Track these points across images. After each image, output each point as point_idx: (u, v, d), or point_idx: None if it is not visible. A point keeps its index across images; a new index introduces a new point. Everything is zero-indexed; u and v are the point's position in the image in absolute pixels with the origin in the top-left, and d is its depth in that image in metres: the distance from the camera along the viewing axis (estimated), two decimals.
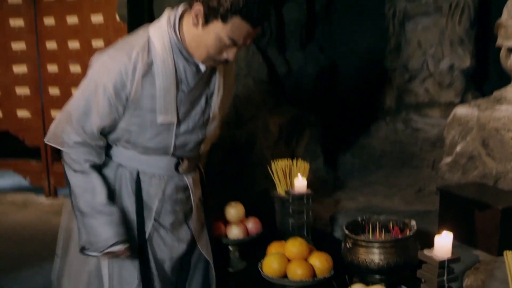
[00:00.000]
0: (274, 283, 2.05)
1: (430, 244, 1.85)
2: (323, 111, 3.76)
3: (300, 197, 2.54)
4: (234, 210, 2.50)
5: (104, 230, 1.89)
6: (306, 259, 2.11)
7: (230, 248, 2.53)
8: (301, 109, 3.62)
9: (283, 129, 3.48)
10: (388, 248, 2.12)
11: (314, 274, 2.08)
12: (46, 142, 1.96)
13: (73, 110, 1.90)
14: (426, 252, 1.83)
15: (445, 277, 1.79)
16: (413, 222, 2.26)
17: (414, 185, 3.24)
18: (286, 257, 2.11)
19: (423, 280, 1.86)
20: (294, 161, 2.71)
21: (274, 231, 2.78)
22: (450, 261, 1.78)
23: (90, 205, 1.90)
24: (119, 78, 1.83)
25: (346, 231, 2.23)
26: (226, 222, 2.51)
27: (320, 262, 2.07)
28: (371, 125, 3.80)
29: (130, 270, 1.99)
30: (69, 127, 1.90)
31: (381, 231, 2.30)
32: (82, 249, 1.93)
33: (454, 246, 1.82)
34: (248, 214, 2.59)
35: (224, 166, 3.34)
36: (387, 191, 3.22)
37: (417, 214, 2.69)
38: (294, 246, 2.10)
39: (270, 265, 2.07)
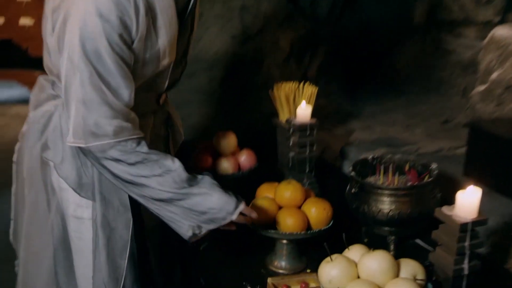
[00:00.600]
0: (259, 233, 1.72)
1: (453, 191, 1.48)
2: (341, 26, 3.29)
3: (302, 128, 2.17)
4: (225, 141, 2.14)
5: (215, 198, 1.57)
6: (300, 207, 1.76)
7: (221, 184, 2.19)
8: (317, 23, 3.17)
9: (295, 46, 3.09)
10: (401, 197, 1.76)
11: (308, 226, 1.73)
12: (77, 145, 1.53)
13: (86, 95, 1.47)
14: (445, 210, 1.46)
15: (467, 243, 1.43)
16: (434, 165, 1.87)
17: (440, 115, 2.84)
18: (276, 203, 1.76)
19: (439, 243, 1.50)
20: (301, 85, 2.31)
21: (275, 166, 2.43)
22: (475, 223, 1.42)
23: (180, 186, 1.56)
24: (123, 26, 1.45)
25: (353, 173, 1.87)
26: (216, 155, 2.16)
27: (316, 211, 1.72)
28: (395, 44, 3.33)
29: (121, 229, 1.69)
30: (96, 114, 1.48)
31: (395, 174, 1.93)
32: (193, 236, 1.62)
33: (483, 194, 1.44)
34: (247, 144, 2.23)
35: (226, 86, 2.97)
36: (409, 121, 2.82)
37: (439, 151, 2.30)
38: (287, 190, 1.75)
39: (256, 212, 1.72)
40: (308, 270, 1.78)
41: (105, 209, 1.66)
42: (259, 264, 1.81)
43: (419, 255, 1.77)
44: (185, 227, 1.59)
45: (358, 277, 1.40)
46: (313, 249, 1.83)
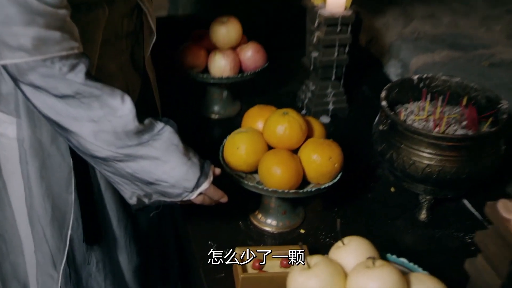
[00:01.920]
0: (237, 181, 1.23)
1: None
2: None
3: (331, 21, 1.57)
4: (224, 30, 1.59)
5: (169, 167, 1.10)
6: (296, 151, 1.25)
7: (213, 90, 1.68)
8: None
9: None
10: (447, 149, 1.21)
11: (304, 179, 1.23)
12: None
13: None
14: (503, 207, 0.92)
15: None
16: (505, 104, 1.29)
17: None
18: (264, 140, 1.25)
19: (481, 249, 0.98)
20: None
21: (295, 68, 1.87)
22: None
23: (122, 143, 1.08)
24: None
25: (384, 102, 1.31)
26: (211, 48, 1.62)
27: (319, 159, 1.20)
28: None
29: (61, 155, 1.26)
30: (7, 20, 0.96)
31: (446, 107, 1.36)
32: (140, 203, 1.18)
33: None
34: (257, 35, 1.68)
35: None
36: (490, 12, 2.13)
37: None
38: (280, 124, 1.22)
39: (233, 152, 1.23)
40: (302, 231, 1.31)
41: (34, 129, 1.20)
42: (239, 213, 1.34)
43: (463, 226, 1.30)
44: (127, 193, 1.14)
45: None
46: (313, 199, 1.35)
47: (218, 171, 1.15)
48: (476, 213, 1.36)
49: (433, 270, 1.02)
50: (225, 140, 1.28)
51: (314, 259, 0.94)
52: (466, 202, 1.40)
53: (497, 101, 1.30)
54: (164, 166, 1.07)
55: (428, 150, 1.22)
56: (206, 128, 1.67)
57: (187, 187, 1.09)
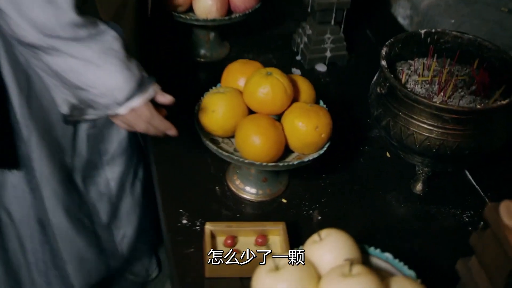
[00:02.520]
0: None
1: None
2: None
3: None
4: None
5: (102, 72, 0.96)
6: (279, 117, 1.11)
7: (198, 32, 1.51)
8: None
9: None
10: (451, 122, 1.06)
11: (287, 148, 1.10)
12: None
13: None
14: (504, 212, 0.79)
15: None
16: None
17: None
18: (244, 103, 1.10)
19: (475, 252, 0.87)
20: None
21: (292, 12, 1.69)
22: None
23: (51, 32, 0.93)
24: None
25: (383, 62, 1.15)
26: None
27: (304, 127, 1.06)
28: None
29: None
30: None
31: (453, 68, 1.21)
32: (72, 116, 1.06)
33: None
34: None
35: None
36: None
37: None
38: (262, 86, 1.07)
39: (208, 115, 1.09)
40: (284, 200, 1.19)
41: None
42: (215, 175, 1.23)
43: (462, 202, 1.20)
44: (59, 99, 1.03)
45: None
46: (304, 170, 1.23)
47: (168, 98, 1.01)
48: (477, 187, 1.24)
49: (421, 261, 0.91)
50: (200, 99, 1.14)
51: (284, 259, 0.82)
52: (467, 174, 1.27)
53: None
54: (97, 71, 0.94)
55: (428, 121, 1.08)
56: (191, 72, 1.53)
57: (117, 98, 0.96)
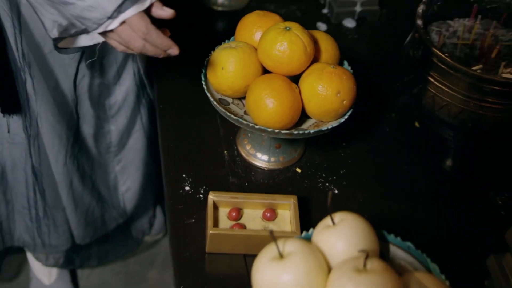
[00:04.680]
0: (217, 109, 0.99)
1: None
2: None
3: None
4: None
5: None
6: (298, 78, 0.98)
7: None
8: None
9: None
10: (491, 94, 0.93)
11: (303, 113, 0.98)
12: None
13: None
14: None
15: None
16: None
17: None
18: (258, 61, 0.98)
19: (510, 249, 0.75)
20: None
21: None
22: None
23: None
24: None
25: (419, 21, 1.01)
26: None
27: (326, 92, 0.94)
28: None
29: None
30: None
31: (498, 28, 1.07)
32: (61, 40, 0.93)
33: None
34: None
35: None
36: None
37: None
38: (279, 43, 0.94)
39: (217, 72, 0.97)
40: (298, 170, 1.08)
41: None
42: (225, 138, 1.12)
43: (496, 183, 1.09)
44: (47, 22, 0.91)
45: None
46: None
47: (168, 11, 0.88)
48: None
49: (447, 254, 0.81)
50: (209, 54, 1.02)
51: (289, 244, 0.71)
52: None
53: None
54: None
55: (466, 92, 0.95)
56: (206, 22, 1.40)
57: (107, 9, 0.84)
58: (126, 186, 1.49)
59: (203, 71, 1.01)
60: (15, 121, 1.23)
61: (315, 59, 0.98)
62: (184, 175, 1.05)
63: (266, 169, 1.08)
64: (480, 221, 1.02)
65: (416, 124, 1.19)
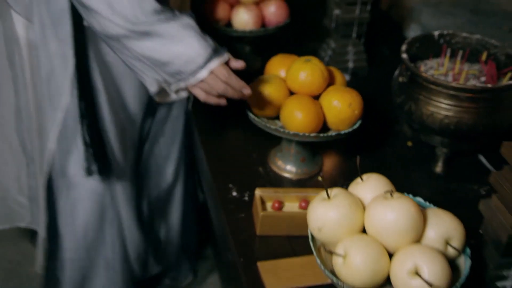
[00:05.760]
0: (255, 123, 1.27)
1: None
2: None
3: None
4: None
5: (183, 45, 1.16)
6: (318, 97, 1.28)
7: (236, 46, 1.70)
8: None
9: None
10: (465, 101, 1.23)
11: (324, 124, 1.26)
12: None
13: None
14: None
15: None
16: None
17: None
18: (286, 86, 1.28)
19: (495, 189, 1.02)
20: None
21: (315, 25, 1.90)
22: None
23: (138, 19, 1.15)
24: None
25: (404, 55, 1.33)
26: (235, 2, 1.65)
27: (340, 105, 1.23)
28: None
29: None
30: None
31: (465, 63, 1.38)
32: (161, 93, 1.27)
33: None
34: None
35: None
36: None
37: None
38: (302, 71, 1.25)
39: (256, 97, 1.26)
40: (320, 178, 1.34)
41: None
42: (258, 159, 1.38)
43: (478, 179, 1.34)
44: (148, 79, 1.21)
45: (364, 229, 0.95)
46: (331, 149, 1.39)
47: (240, 63, 1.19)
48: (491, 168, 1.39)
49: None
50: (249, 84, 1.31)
51: (334, 191, 0.97)
52: (482, 158, 1.42)
53: None
54: (179, 44, 1.13)
55: (446, 101, 1.25)
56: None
57: (199, 62, 1.13)
58: (167, 229, 1.71)
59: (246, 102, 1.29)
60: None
61: (330, 83, 1.28)
62: (230, 185, 1.30)
63: (294, 179, 1.33)
64: (468, 202, 1.27)
65: (409, 143, 1.48)
